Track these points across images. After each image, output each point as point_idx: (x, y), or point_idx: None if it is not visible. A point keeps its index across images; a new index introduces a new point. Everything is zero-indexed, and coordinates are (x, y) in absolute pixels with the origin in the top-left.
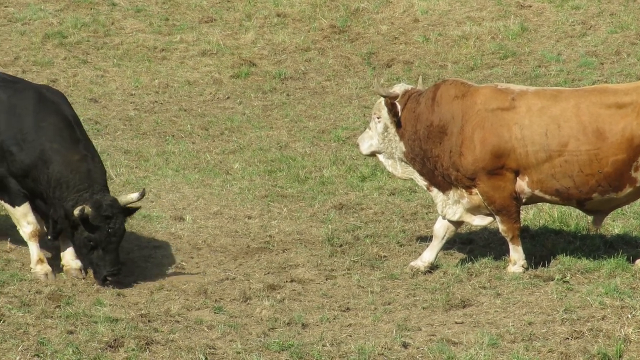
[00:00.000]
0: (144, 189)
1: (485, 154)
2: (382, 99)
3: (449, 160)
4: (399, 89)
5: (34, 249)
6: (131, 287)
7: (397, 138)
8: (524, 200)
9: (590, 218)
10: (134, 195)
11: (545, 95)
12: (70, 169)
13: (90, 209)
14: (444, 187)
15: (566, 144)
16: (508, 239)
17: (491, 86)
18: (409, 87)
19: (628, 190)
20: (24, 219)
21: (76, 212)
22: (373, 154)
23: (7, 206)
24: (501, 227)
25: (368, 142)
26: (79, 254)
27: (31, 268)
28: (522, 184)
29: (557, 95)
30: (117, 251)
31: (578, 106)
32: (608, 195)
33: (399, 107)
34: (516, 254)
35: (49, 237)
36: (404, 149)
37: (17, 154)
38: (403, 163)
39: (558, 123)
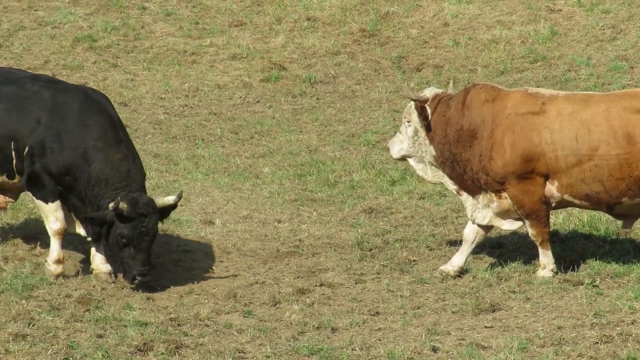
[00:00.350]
0: (181, 192)
1: (515, 158)
2: (412, 103)
3: (479, 164)
4: (429, 92)
5: (55, 247)
6: (161, 291)
7: (427, 142)
8: (553, 204)
9: (619, 222)
10: (171, 198)
11: (575, 100)
12: (110, 167)
13: (125, 204)
14: (474, 191)
15: (596, 149)
16: (537, 243)
17: (521, 90)
18: (439, 90)
19: None
20: (53, 214)
21: (111, 205)
22: (403, 158)
23: (39, 202)
24: (531, 231)
25: (398, 146)
26: (110, 254)
27: (46, 262)
28: (552, 188)
29: (588, 99)
30: (149, 251)
31: (608, 110)
32: (638, 199)
33: (429, 110)
34: (546, 258)
35: (88, 237)
36: (433, 152)
37: (58, 151)
38: (433, 167)
39: (588, 127)
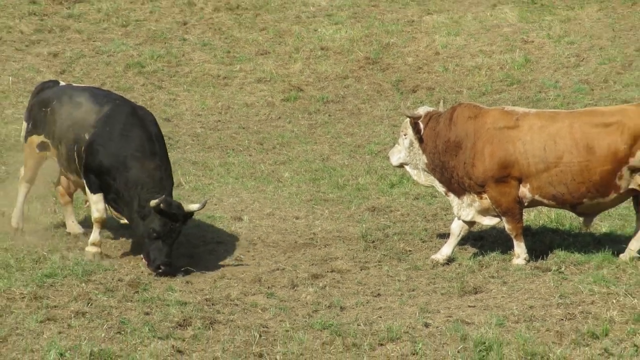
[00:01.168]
0: (205, 201)
1: (493, 165)
2: (408, 119)
3: (463, 170)
4: (422, 110)
5: (94, 232)
6: (198, 276)
7: (420, 152)
8: (525, 204)
9: (581, 219)
10: (196, 206)
11: (544, 116)
12: (146, 174)
13: (163, 204)
14: (459, 192)
15: (561, 157)
16: (513, 236)
17: (499, 108)
18: (431, 109)
19: (613, 195)
20: (95, 205)
21: (153, 202)
22: (401, 165)
23: (88, 192)
24: (507, 226)
25: (397, 155)
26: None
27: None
28: (524, 190)
29: (554, 116)
30: (172, 246)
31: (572, 125)
32: (596, 200)
33: (422, 126)
34: (519, 249)
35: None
36: (426, 160)
37: (102, 154)
38: (425, 173)
39: (555, 139)
